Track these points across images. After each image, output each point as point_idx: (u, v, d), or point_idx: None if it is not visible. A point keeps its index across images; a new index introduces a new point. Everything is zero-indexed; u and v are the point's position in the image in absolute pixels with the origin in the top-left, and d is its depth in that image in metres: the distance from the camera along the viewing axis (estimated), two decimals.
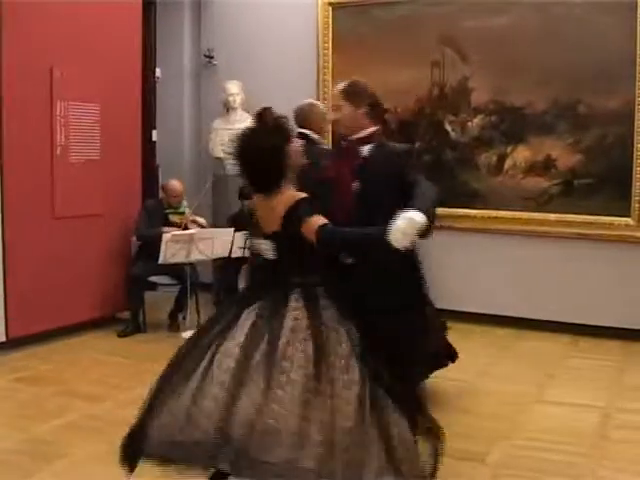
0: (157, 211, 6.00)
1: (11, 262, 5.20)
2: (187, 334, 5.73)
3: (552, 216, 5.94)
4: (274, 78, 6.92)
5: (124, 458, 2.78)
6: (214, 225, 6.53)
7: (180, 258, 5.65)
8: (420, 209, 2.55)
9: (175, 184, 6.06)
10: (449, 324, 4.40)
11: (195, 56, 7.45)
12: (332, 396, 2.54)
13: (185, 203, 6.11)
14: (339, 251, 2.94)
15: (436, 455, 2.75)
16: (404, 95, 6.47)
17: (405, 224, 2.49)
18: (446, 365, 4.26)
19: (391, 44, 6.46)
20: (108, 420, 3.99)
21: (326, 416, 2.52)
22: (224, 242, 5.76)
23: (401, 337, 2.91)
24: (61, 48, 5.50)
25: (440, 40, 6.29)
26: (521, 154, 6.06)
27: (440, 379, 4.76)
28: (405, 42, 6.40)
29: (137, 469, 2.77)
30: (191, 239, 5.65)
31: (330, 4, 6.72)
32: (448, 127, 6.32)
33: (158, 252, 5.56)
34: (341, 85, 3.26)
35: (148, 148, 6.80)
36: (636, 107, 5.64)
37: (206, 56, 7.30)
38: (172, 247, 5.58)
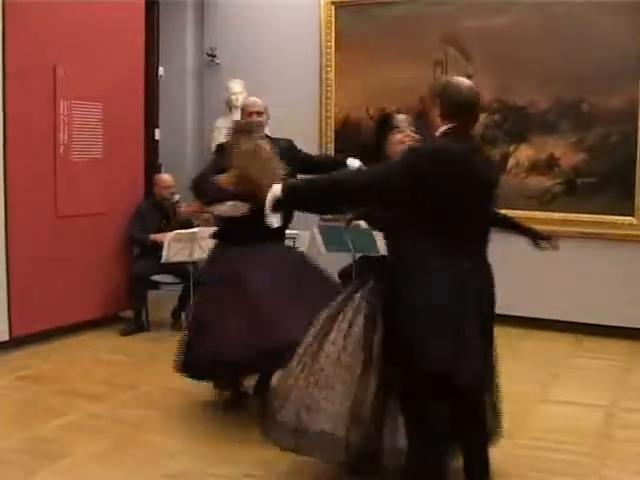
0: (151, 213, 6.07)
1: (14, 261, 5.20)
2: None
3: (555, 215, 5.93)
4: (277, 77, 6.92)
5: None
6: (216, 223, 6.53)
7: (183, 257, 5.65)
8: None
9: (165, 176, 6.30)
10: None
11: (198, 55, 7.44)
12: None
13: (177, 197, 6.16)
14: None
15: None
16: (406, 94, 6.45)
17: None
18: None
19: (393, 43, 6.45)
20: (110, 419, 3.99)
21: None
22: None
23: None
24: (64, 47, 5.50)
25: (443, 39, 6.28)
26: (524, 153, 6.05)
27: None
28: (407, 41, 6.39)
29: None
30: (194, 237, 5.65)
31: (333, 3, 6.71)
32: None
33: (161, 251, 5.56)
34: None
35: (151, 147, 6.81)
36: (639, 105, 5.64)
37: (209, 55, 7.30)
38: (175, 246, 5.57)
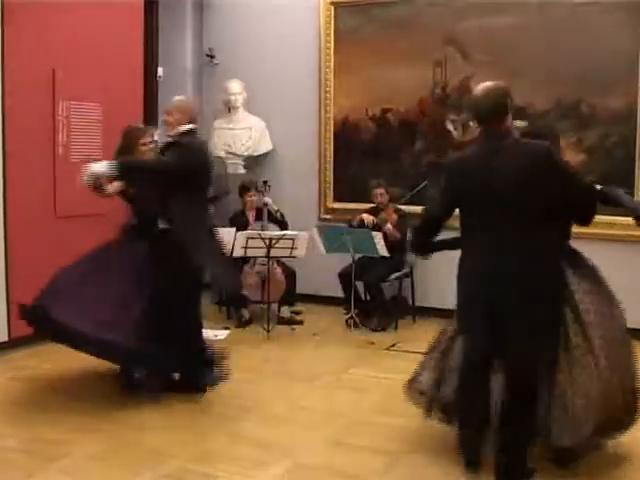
0: None
1: (13, 261, 5.20)
2: None
3: None
4: (276, 77, 6.93)
5: None
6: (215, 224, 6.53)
7: None
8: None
9: None
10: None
11: (197, 55, 7.45)
12: None
13: None
14: None
15: None
16: (406, 94, 6.47)
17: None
18: None
19: (393, 43, 6.45)
20: (110, 419, 4.00)
21: None
22: (225, 241, 5.75)
23: None
24: (63, 48, 5.51)
25: (442, 40, 6.29)
26: None
27: None
28: (407, 41, 6.40)
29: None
30: None
31: (332, 3, 6.72)
32: (450, 127, 6.31)
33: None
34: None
35: None
36: (639, 106, 5.64)
37: (208, 55, 7.30)
38: None
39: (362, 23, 6.63)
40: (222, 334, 5.83)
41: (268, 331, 5.82)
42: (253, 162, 7.12)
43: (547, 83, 5.93)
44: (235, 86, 7.00)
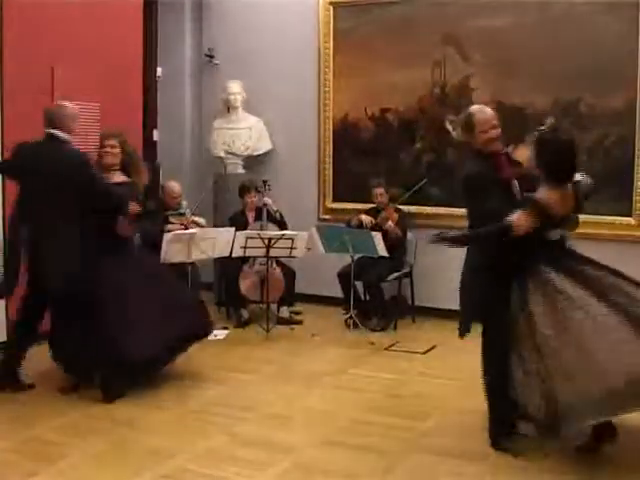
0: (159, 211, 6.01)
1: None
2: None
3: None
4: (275, 77, 6.92)
5: None
6: (215, 224, 6.53)
7: (181, 258, 5.65)
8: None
9: (174, 185, 6.11)
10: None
11: (196, 55, 7.45)
12: None
13: (185, 204, 6.11)
14: None
15: None
16: (405, 94, 6.47)
17: None
18: None
19: (392, 43, 6.45)
20: (109, 419, 4.00)
21: None
22: (225, 241, 5.76)
23: None
24: (62, 47, 5.50)
25: (441, 39, 6.28)
26: (522, 154, 6.03)
27: (441, 379, 4.78)
28: (406, 41, 6.40)
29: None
30: (192, 238, 5.65)
31: (331, 3, 6.71)
32: (449, 126, 6.30)
33: (159, 252, 5.55)
34: (488, 109, 3.92)
35: (149, 148, 6.79)
36: (637, 106, 5.64)
37: (207, 55, 7.30)
38: (173, 247, 5.57)
39: (361, 23, 6.63)
40: (221, 334, 5.82)
41: (267, 331, 5.82)
42: (252, 162, 7.12)
43: (546, 83, 5.93)
44: (234, 86, 7.00)
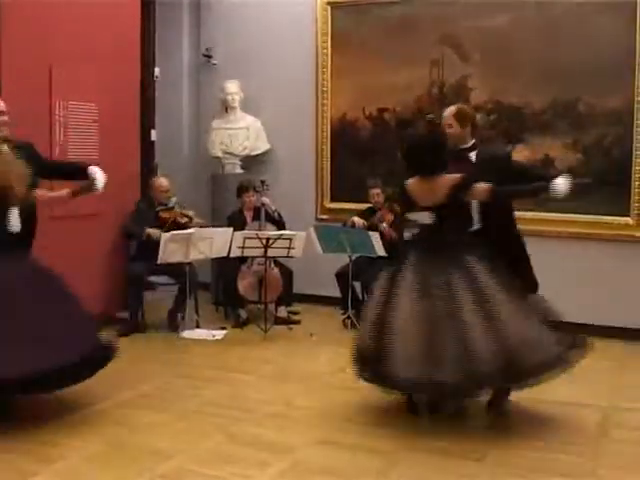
0: (148, 212, 6.03)
1: None
2: (186, 333, 5.74)
3: (551, 216, 5.94)
4: (273, 77, 6.93)
5: None
6: (213, 224, 6.53)
7: (179, 257, 5.65)
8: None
9: (162, 180, 6.19)
10: None
11: (194, 55, 7.45)
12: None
13: (174, 199, 6.12)
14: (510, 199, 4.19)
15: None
16: (403, 94, 6.47)
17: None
18: None
19: (390, 43, 6.46)
20: (108, 420, 3.99)
21: None
22: (223, 241, 5.76)
23: None
24: (60, 47, 5.50)
25: (439, 39, 6.29)
26: (520, 153, 6.04)
27: None
28: (404, 41, 6.40)
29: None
30: (190, 238, 5.65)
31: (329, 3, 6.72)
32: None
33: (157, 252, 5.56)
34: (453, 108, 4.26)
35: (147, 148, 6.79)
36: (635, 106, 5.65)
37: (205, 55, 7.30)
38: (171, 246, 5.57)
39: (359, 23, 6.63)
40: (219, 334, 5.82)
41: (265, 331, 5.82)
42: (250, 162, 7.11)
43: (544, 82, 5.94)
44: (232, 86, 7.00)
